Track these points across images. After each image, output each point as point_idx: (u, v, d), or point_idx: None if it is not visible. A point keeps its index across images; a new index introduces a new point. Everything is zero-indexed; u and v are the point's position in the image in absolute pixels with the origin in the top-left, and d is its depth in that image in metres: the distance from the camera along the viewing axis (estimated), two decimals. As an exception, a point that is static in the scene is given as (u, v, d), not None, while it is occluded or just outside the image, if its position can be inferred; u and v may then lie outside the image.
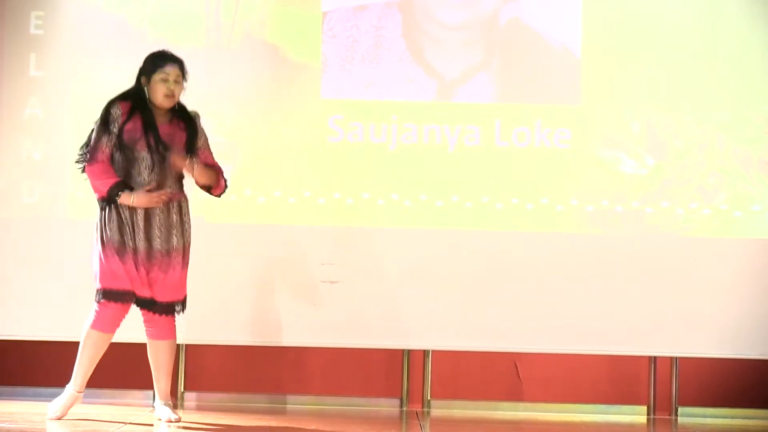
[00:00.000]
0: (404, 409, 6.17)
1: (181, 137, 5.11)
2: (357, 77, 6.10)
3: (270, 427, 5.31)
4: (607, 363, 6.24)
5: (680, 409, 6.19)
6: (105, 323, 5.06)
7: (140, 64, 5.15)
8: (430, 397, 6.20)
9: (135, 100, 5.08)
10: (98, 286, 5.04)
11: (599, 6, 6.13)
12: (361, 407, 6.18)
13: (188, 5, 6.08)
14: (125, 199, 4.98)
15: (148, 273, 5.03)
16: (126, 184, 5.01)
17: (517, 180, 6.09)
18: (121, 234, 5.02)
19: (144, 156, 5.04)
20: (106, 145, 5.04)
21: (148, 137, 5.03)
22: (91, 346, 5.09)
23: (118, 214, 5.03)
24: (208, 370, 6.22)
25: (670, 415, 6.19)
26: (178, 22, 6.06)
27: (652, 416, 6.17)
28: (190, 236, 5.16)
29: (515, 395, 6.25)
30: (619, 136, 6.10)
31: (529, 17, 6.13)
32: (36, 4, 6.06)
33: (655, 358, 6.17)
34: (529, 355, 6.21)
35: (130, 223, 5.03)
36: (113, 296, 5.02)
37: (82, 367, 5.12)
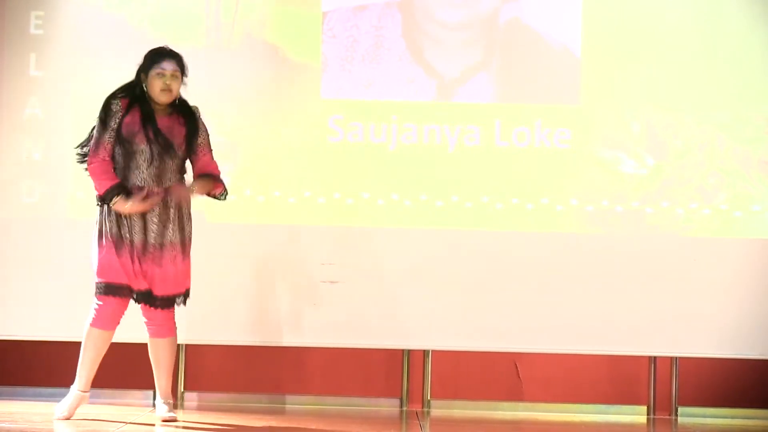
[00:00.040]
0: (404, 409, 6.17)
1: (180, 131, 5.12)
2: (357, 77, 6.10)
3: (270, 427, 5.31)
4: (607, 363, 6.24)
5: (680, 409, 6.19)
6: (104, 320, 5.06)
7: (141, 60, 5.16)
8: (430, 397, 6.20)
9: (133, 95, 5.10)
10: (96, 279, 5.05)
11: (599, 6, 6.13)
12: (361, 407, 6.18)
13: (188, 5, 6.09)
14: (119, 206, 4.99)
15: (142, 265, 5.04)
16: (123, 187, 5.01)
17: (517, 180, 6.09)
18: (119, 227, 5.04)
19: (143, 149, 5.04)
20: (108, 142, 5.05)
21: (147, 130, 5.04)
22: (92, 344, 5.09)
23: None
24: (208, 370, 6.22)
25: (670, 415, 6.19)
26: (178, 22, 6.06)
27: (652, 416, 6.17)
28: (190, 231, 5.16)
29: (515, 395, 6.25)
30: (619, 136, 6.10)
31: (529, 17, 6.13)
32: (36, 4, 6.06)
33: (655, 358, 6.17)
34: (529, 355, 6.21)
35: (127, 216, 5.03)
36: (110, 290, 5.02)
37: (85, 366, 5.12)
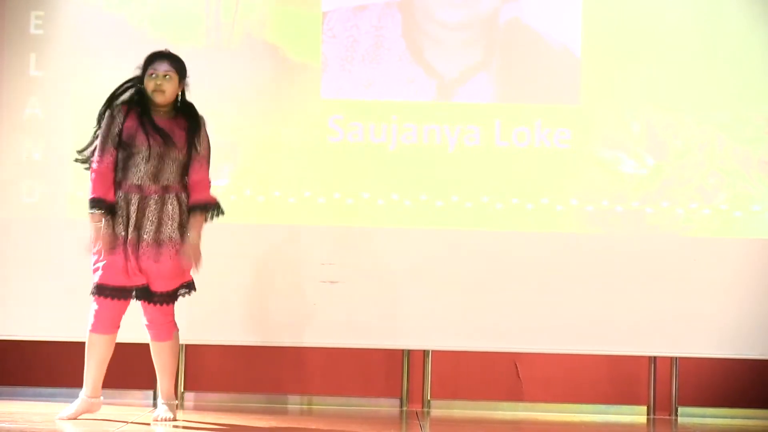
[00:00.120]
0: (404, 409, 6.17)
1: (181, 135, 5.11)
2: (357, 77, 6.10)
3: (270, 427, 5.31)
4: (607, 363, 6.24)
5: (680, 409, 6.19)
6: (102, 324, 5.06)
7: (140, 63, 5.16)
8: (430, 397, 6.20)
9: (132, 100, 5.11)
10: (94, 280, 5.06)
11: (599, 6, 6.13)
12: (361, 407, 6.18)
13: (188, 5, 6.09)
14: (94, 219, 5.00)
15: (138, 262, 5.04)
16: (110, 207, 5.01)
17: (517, 180, 6.09)
18: (114, 225, 5.04)
19: (141, 148, 5.05)
20: (112, 146, 5.06)
21: (145, 130, 5.05)
22: (94, 350, 5.09)
23: (120, 195, 5.05)
24: (207, 370, 6.23)
25: (670, 415, 6.19)
26: (178, 22, 6.06)
27: (652, 416, 6.17)
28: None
29: (515, 395, 6.25)
30: (619, 136, 6.10)
31: (529, 17, 6.13)
32: (36, 4, 6.06)
33: (655, 358, 6.17)
34: (529, 355, 6.21)
35: (124, 214, 5.04)
36: (105, 292, 5.02)
37: (90, 372, 5.12)
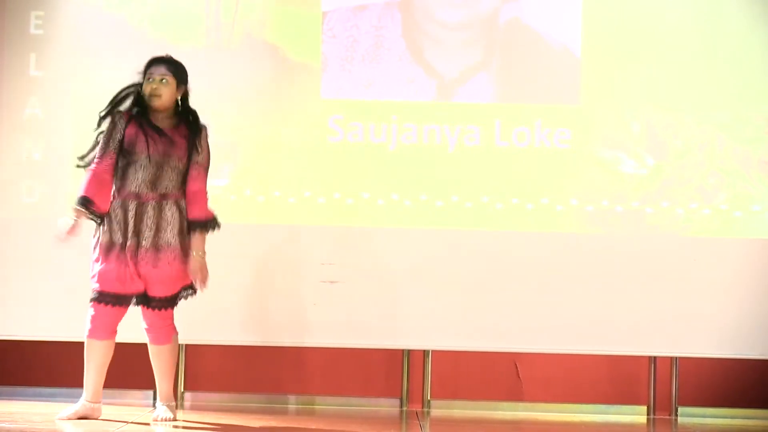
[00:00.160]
0: (404, 409, 6.17)
1: (181, 143, 5.11)
2: (357, 77, 6.10)
3: (270, 427, 5.31)
4: (607, 363, 6.24)
5: (680, 409, 6.19)
6: (98, 330, 5.06)
7: (140, 64, 5.16)
8: (430, 397, 6.20)
9: (133, 105, 5.11)
10: (92, 286, 5.06)
11: (599, 6, 6.13)
12: (361, 407, 6.18)
13: (188, 5, 6.09)
14: (75, 213, 5.00)
15: (137, 267, 5.03)
16: (91, 205, 5.01)
17: (517, 180, 6.09)
18: (111, 232, 5.04)
19: (141, 156, 5.05)
20: (113, 151, 5.06)
21: (145, 137, 5.05)
22: (92, 356, 5.09)
23: (117, 204, 5.06)
24: (207, 370, 6.22)
25: (670, 415, 6.19)
26: (178, 22, 6.06)
27: (652, 416, 6.17)
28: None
29: (515, 395, 6.25)
30: (619, 136, 6.10)
31: (529, 17, 6.13)
32: (36, 4, 6.06)
33: (655, 358, 6.17)
34: (529, 355, 6.21)
35: (122, 221, 5.04)
36: (102, 298, 5.03)
37: (89, 377, 5.12)
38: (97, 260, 5.07)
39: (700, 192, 6.09)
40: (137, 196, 5.06)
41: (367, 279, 6.04)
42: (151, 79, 5.09)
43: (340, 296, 6.02)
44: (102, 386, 5.14)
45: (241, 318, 6.02)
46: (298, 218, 6.05)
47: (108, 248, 5.04)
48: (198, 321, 5.80)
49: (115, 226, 5.05)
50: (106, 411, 5.30)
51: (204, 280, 5.14)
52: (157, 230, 5.06)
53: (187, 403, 6.12)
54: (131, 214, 5.05)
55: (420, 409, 6.16)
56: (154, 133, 5.06)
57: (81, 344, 5.14)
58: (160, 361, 5.18)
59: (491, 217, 6.08)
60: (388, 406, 6.20)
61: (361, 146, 6.09)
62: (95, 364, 5.10)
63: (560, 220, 6.08)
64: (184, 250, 5.11)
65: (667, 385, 6.20)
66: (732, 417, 6.16)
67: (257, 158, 6.06)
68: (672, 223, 6.08)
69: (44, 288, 5.96)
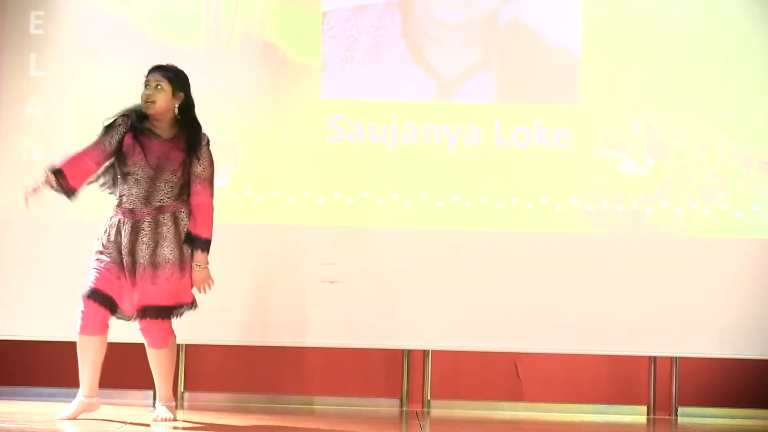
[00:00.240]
0: (404, 409, 6.17)
1: (177, 156, 5.08)
2: (357, 77, 6.10)
3: (270, 427, 5.31)
4: (607, 363, 6.24)
5: (680, 409, 6.19)
6: (88, 326, 5.05)
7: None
8: (430, 397, 6.20)
9: (133, 114, 5.12)
10: (87, 282, 5.07)
11: (599, 6, 6.13)
12: (361, 407, 6.18)
13: (188, 5, 6.08)
14: (44, 176, 5.06)
15: (134, 285, 5.04)
16: (58, 178, 5.04)
17: (517, 180, 6.09)
18: (108, 240, 5.06)
19: (134, 170, 5.05)
20: (105, 146, 5.06)
21: (140, 151, 5.04)
22: (84, 352, 5.09)
23: (114, 222, 5.07)
24: (207, 370, 6.22)
25: (670, 415, 6.19)
26: (178, 22, 6.06)
27: (652, 416, 6.17)
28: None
29: (515, 395, 6.25)
30: (619, 136, 6.10)
31: (529, 17, 6.13)
32: (36, 4, 6.06)
33: (655, 358, 6.17)
34: (529, 355, 6.21)
35: (120, 232, 5.04)
36: (93, 295, 5.03)
37: (84, 373, 5.12)
38: (96, 260, 5.08)
39: (700, 192, 6.09)
40: (132, 212, 5.05)
41: (367, 279, 6.04)
42: (147, 86, 5.08)
43: (340, 296, 6.02)
44: (98, 381, 5.14)
45: (241, 318, 6.02)
46: (298, 218, 6.05)
47: (103, 251, 5.06)
48: (198, 321, 5.78)
49: (116, 237, 5.04)
50: (106, 411, 5.30)
51: (209, 287, 5.15)
52: (155, 246, 5.04)
53: (187, 404, 6.12)
54: (125, 232, 5.04)
55: (420, 409, 6.16)
56: (149, 142, 5.04)
57: (80, 346, 5.15)
58: (158, 364, 5.18)
59: (491, 217, 6.08)
60: (388, 406, 6.20)
61: (361, 146, 6.09)
62: (88, 359, 5.09)
63: (560, 220, 6.08)
64: (182, 265, 5.10)
65: (667, 385, 6.20)
66: (732, 417, 6.16)
67: (257, 158, 6.06)
68: (672, 223, 6.08)
69: (44, 288, 5.96)
